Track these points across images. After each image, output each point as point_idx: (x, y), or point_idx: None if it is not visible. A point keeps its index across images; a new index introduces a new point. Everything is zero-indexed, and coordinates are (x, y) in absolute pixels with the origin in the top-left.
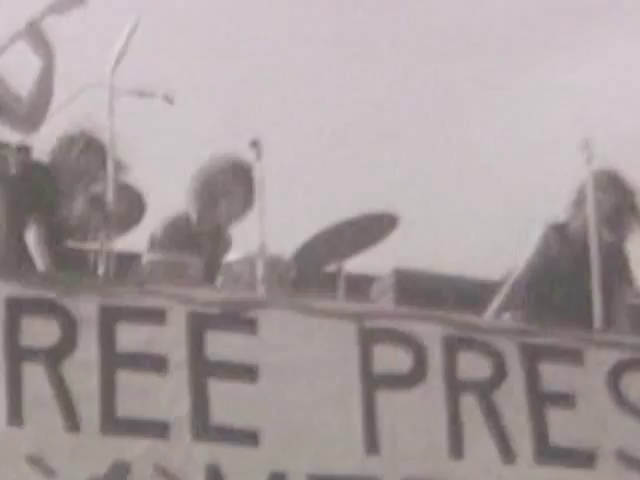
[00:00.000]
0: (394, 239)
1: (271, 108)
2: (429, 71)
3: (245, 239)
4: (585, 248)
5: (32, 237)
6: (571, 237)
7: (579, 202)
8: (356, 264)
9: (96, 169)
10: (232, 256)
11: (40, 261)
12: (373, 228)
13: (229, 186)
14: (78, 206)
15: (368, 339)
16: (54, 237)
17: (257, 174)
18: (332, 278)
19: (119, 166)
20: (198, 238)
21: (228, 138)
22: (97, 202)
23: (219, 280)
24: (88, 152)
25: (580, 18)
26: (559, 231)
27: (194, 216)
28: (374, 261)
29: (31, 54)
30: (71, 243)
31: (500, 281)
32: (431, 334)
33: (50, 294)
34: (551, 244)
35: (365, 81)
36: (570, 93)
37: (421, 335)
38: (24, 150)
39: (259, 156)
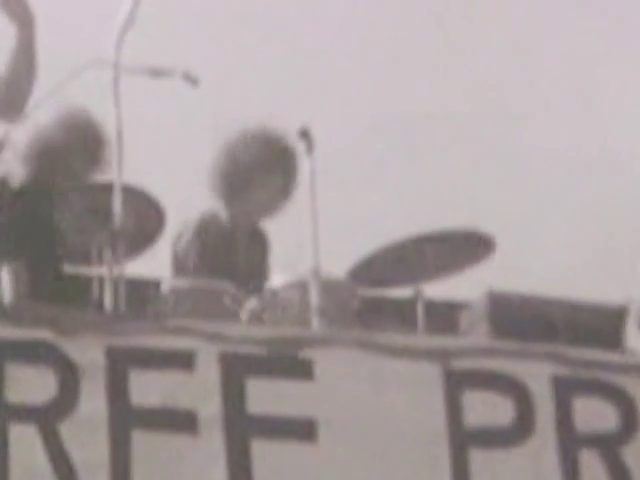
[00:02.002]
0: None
1: (315, 94)
2: (522, 46)
3: (293, 257)
4: None
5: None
6: None
7: None
8: (439, 288)
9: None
10: (278, 279)
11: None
12: (461, 250)
13: (264, 166)
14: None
15: (457, 384)
16: (43, 262)
17: (307, 171)
18: (409, 306)
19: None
20: (233, 240)
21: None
22: (101, 214)
23: (260, 310)
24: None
25: None
26: None
27: (223, 211)
28: (462, 283)
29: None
30: (68, 268)
31: (621, 306)
32: (539, 375)
33: (43, 334)
34: None
35: (441, 65)
36: None
37: (525, 376)
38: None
39: (310, 149)
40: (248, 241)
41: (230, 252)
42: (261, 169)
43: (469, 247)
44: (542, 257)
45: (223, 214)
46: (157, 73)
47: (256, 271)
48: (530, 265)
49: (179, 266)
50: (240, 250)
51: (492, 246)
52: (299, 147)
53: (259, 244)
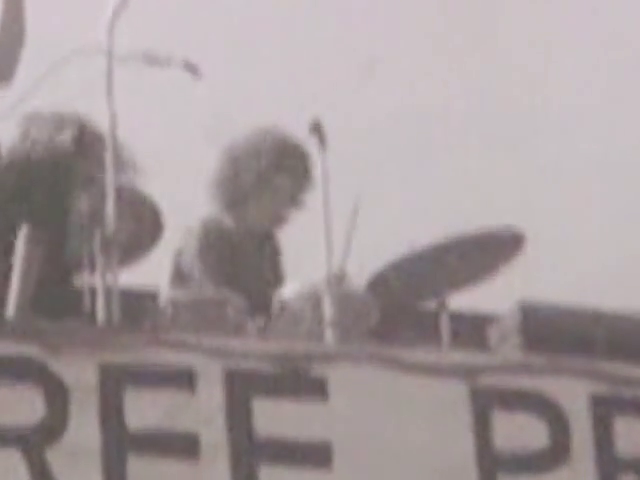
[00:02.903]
0: (517, 264)
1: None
2: (548, 40)
3: (305, 263)
4: None
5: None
6: None
7: None
8: (465, 299)
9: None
10: (288, 289)
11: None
12: (489, 251)
13: (271, 172)
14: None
15: (485, 403)
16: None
17: (320, 170)
18: (432, 319)
19: (123, 165)
20: (241, 248)
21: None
22: (92, 218)
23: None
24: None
25: None
26: None
27: (226, 216)
28: (490, 294)
29: None
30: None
31: None
32: (575, 393)
33: (29, 350)
34: None
35: (460, 60)
36: None
37: (561, 395)
38: None
39: (322, 145)
40: (258, 248)
41: (239, 261)
42: (268, 176)
43: (496, 247)
44: (571, 260)
45: (226, 219)
46: (154, 62)
47: (268, 280)
48: (558, 269)
49: (183, 278)
50: (250, 258)
51: (521, 243)
52: (311, 143)
53: (270, 251)
